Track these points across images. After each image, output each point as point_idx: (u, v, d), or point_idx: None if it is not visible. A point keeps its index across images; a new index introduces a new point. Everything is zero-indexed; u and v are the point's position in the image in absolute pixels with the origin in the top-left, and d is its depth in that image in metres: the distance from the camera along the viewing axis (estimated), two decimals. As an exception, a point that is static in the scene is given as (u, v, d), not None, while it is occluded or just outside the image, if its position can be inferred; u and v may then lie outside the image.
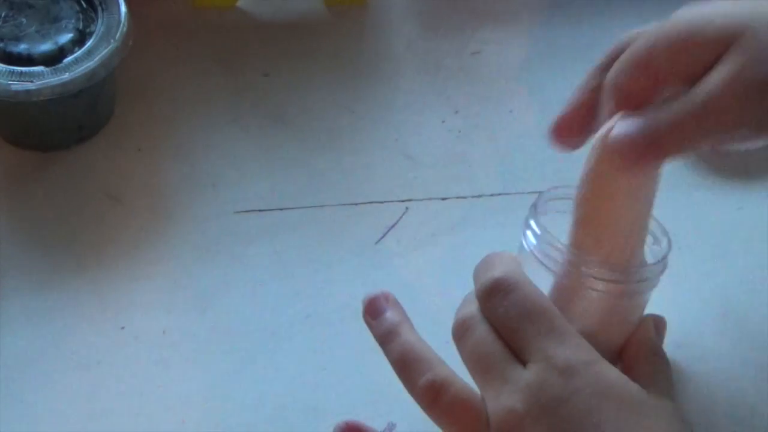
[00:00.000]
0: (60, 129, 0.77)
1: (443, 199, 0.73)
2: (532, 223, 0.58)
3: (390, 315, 0.59)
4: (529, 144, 0.77)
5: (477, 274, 0.58)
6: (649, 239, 0.60)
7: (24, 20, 0.75)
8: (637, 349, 0.59)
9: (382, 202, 0.74)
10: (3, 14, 0.75)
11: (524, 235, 0.59)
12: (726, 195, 0.74)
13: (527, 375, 0.53)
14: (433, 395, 0.55)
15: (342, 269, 0.71)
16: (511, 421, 0.53)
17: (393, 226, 0.73)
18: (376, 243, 0.72)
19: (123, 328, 0.68)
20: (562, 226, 0.58)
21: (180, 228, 0.73)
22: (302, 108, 0.79)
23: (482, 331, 0.55)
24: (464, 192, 0.75)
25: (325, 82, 0.81)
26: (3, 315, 0.69)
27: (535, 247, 0.57)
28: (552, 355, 0.53)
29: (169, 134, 0.78)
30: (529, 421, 0.52)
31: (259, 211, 0.74)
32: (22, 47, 0.74)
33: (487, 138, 0.75)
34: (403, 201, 0.74)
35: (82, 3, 0.76)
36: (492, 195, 0.75)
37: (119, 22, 0.75)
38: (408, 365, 0.57)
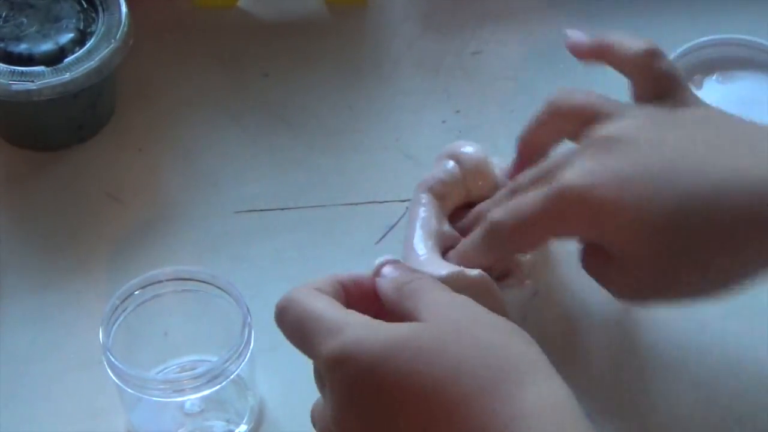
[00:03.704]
0: (60, 129, 0.77)
1: (443, 199, 0.73)
2: None
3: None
4: (529, 144, 0.77)
5: None
6: None
7: (24, 20, 0.75)
8: None
9: (382, 202, 0.74)
10: (3, 14, 0.75)
11: None
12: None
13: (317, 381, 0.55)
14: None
15: (342, 269, 0.71)
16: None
17: (393, 226, 0.73)
18: (376, 243, 0.72)
19: (123, 328, 0.68)
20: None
21: (180, 228, 0.73)
22: (302, 108, 0.79)
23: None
24: (464, 192, 0.75)
25: (325, 82, 0.81)
26: (3, 315, 0.69)
27: None
28: (319, 354, 0.52)
29: (169, 134, 0.78)
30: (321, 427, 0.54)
31: (259, 211, 0.74)
32: (22, 47, 0.74)
33: (487, 138, 0.75)
34: (403, 201, 0.74)
35: (83, 3, 0.76)
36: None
37: (120, 21, 0.75)
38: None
